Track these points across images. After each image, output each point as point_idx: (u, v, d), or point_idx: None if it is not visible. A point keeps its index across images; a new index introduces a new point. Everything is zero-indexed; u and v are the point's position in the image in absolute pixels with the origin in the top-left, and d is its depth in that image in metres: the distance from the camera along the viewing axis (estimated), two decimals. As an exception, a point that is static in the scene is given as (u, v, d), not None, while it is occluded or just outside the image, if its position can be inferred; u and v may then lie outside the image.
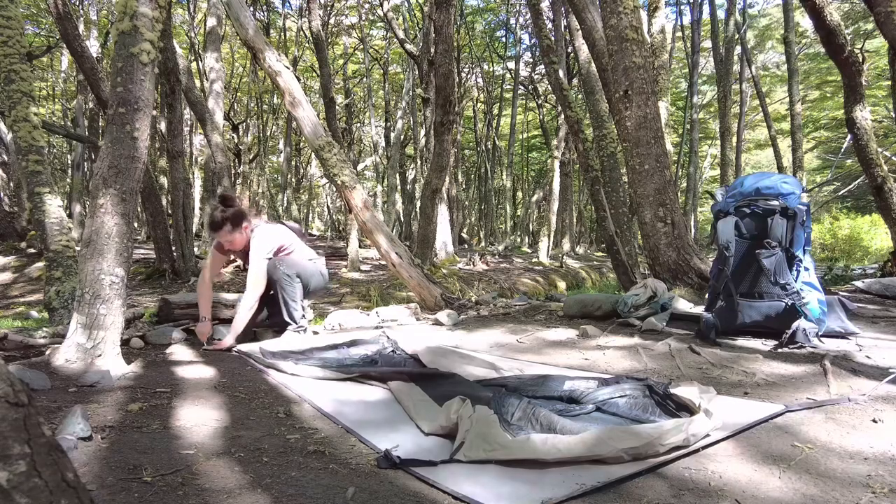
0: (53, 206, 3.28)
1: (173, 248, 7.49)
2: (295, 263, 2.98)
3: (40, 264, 7.68)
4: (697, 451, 1.29)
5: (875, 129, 6.74)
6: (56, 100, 18.81)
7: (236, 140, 17.53)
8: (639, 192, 3.76)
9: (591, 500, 1.09)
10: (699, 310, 2.88)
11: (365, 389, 1.90)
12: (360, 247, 10.07)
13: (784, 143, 15.01)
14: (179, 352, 2.53)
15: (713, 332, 2.44)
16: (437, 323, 3.44)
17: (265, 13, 16.27)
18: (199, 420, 1.56)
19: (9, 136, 10.65)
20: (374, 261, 10.81)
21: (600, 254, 17.00)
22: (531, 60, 19.01)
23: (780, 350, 2.22)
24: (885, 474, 1.15)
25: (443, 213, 10.88)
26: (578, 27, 6.24)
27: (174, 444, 1.36)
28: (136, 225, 3.10)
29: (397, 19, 15.83)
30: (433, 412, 1.52)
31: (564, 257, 13.24)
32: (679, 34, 15.64)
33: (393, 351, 2.49)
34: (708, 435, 1.33)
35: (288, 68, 4.34)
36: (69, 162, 15.24)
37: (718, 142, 15.47)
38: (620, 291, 4.35)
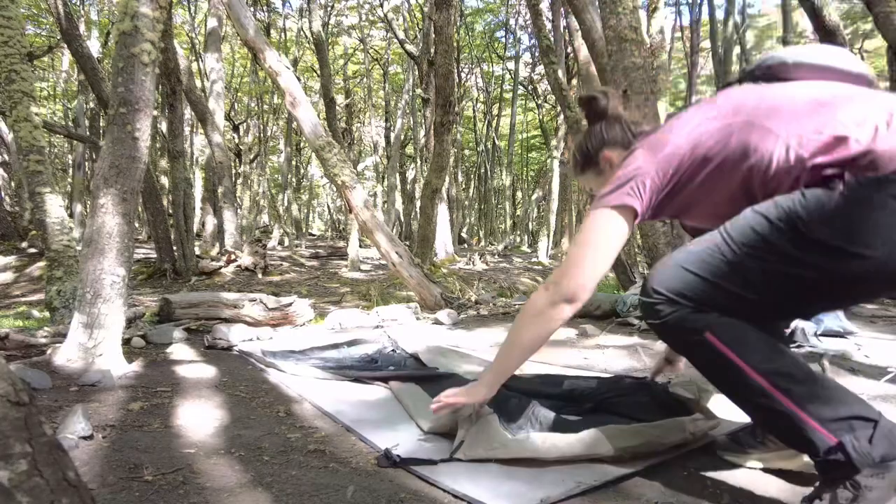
0: (54, 205, 3.29)
1: (174, 248, 7.49)
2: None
3: (41, 264, 7.69)
4: (697, 449, 1.29)
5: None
6: (57, 100, 18.83)
7: (237, 140, 17.55)
8: (638, 192, 3.76)
9: (590, 499, 1.09)
10: (699, 309, 2.88)
11: (365, 388, 1.90)
12: (360, 246, 10.07)
13: (784, 143, 14.97)
14: (180, 351, 2.53)
15: (712, 332, 2.44)
16: (437, 322, 3.45)
17: (266, 13, 16.27)
18: (199, 419, 1.56)
19: (10, 135, 10.67)
20: (374, 260, 10.82)
21: (600, 254, 16.96)
22: (531, 61, 19.01)
23: (779, 350, 2.22)
24: (883, 473, 1.16)
25: (443, 213, 10.89)
26: (577, 27, 6.23)
27: (175, 443, 1.36)
28: (137, 225, 3.05)
29: (397, 20, 15.84)
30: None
31: (564, 257, 13.22)
32: (678, 34, 15.64)
33: (393, 350, 2.50)
34: (707, 434, 1.34)
35: (288, 68, 4.35)
36: (70, 162, 15.25)
37: (718, 142, 15.41)
38: (619, 290, 4.35)
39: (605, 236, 1.11)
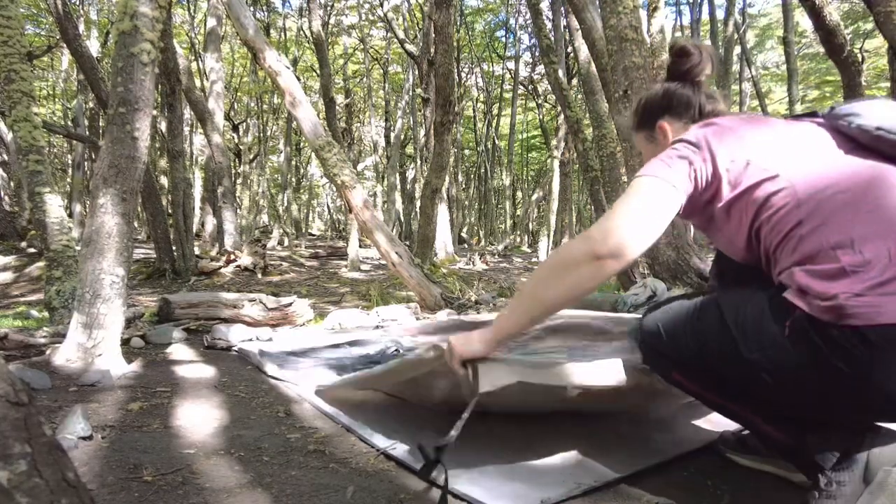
0: (54, 205, 3.28)
1: (174, 248, 7.49)
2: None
3: (41, 264, 7.68)
4: (697, 449, 1.29)
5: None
6: (56, 99, 18.82)
7: (236, 140, 17.53)
8: (638, 192, 3.76)
9: (590, 500, 1.09)
10: (699, 309, 2.88)
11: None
12: (360, 246, 10.07)
13: (784, 143, 14.91)
14: (180, 351, 2.53)
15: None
16: (437, 323, 3.45)
17: (265, 13, 16.27)
18: (199, 419, 1.56)
19: (9, 135, 10.66)
20: (374, 260, 10.82)
21: (600, 254, 16.95)
22: (531, 60, 19.01)
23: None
24: (884, 473, 1.16)
25: (443, 213, 10.88)
26: (578, 27, 6.23)
27: (174, 444, 1.36)
28: (136, 225, 3.04)
29: (397, 19, 15.83)
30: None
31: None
32: (678, 34, 15.66)
33: (396, 350, 2.49)
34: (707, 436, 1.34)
35: (288, 68, 4.35)
36: (69, 162, 15.24)
37: (718, 142, 15.36)
38: (620, 291, 4.36)
39: (657, 202, 0.98)
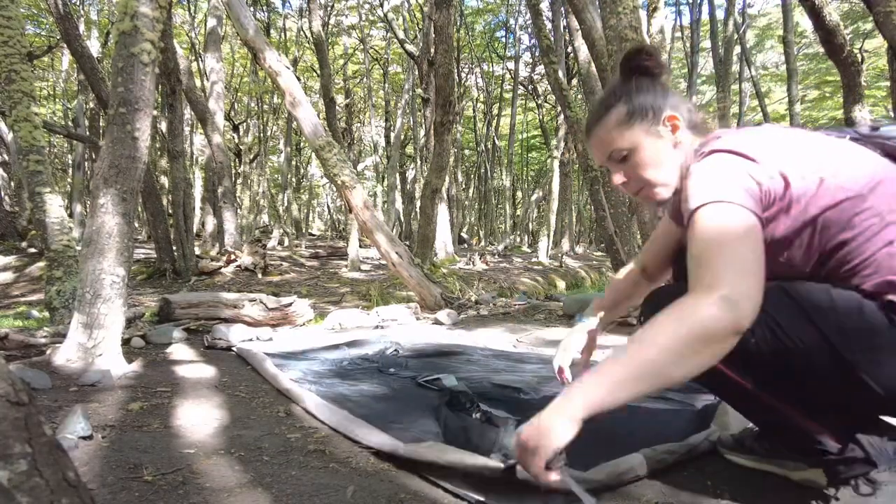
0: (54, 205, 3.28)
1: (174, 248, 7.49)
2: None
3: (41, 264, 7.68)
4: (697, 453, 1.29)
5: (875, 129, 6.68)
6: (57, 99, 18.82)
7: (237, 140, 17.54)
8: (638, 192, 3.76)
9: (590, 499, 1.09)
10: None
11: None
12: (360, 246, 10.07)
13: (784, 143, 14.89)
14: (180, 351, 2.53)
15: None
16: (437, 322, 3.45)
17: (266, 13, 16.27)
18: (199, 419, 1.56)
19: (10, 135, 10.66)
20: (374, 260, 10.82)
21: (599, 253, 17.01)
22: (531, 61, 19.01)
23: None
24: (883, 473, 1.16)
25: (443, 213, 10.89)
26: (578, 27, 6.23)
27: (175, 443, 1.36)
28: (136, 225, 3.04)
29: (397, 20, 15.84)
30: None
31: (564, 257, 13.24)
32: (678, 34, 15.65)
33: (396, 351, 2.49)
34: (707, 438, 1.34)
35: (288, 68, 4.35)
36: (70, 162, 15.24)
37: (718, 142, 15.33)
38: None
39: (759, 243, 0.86)
